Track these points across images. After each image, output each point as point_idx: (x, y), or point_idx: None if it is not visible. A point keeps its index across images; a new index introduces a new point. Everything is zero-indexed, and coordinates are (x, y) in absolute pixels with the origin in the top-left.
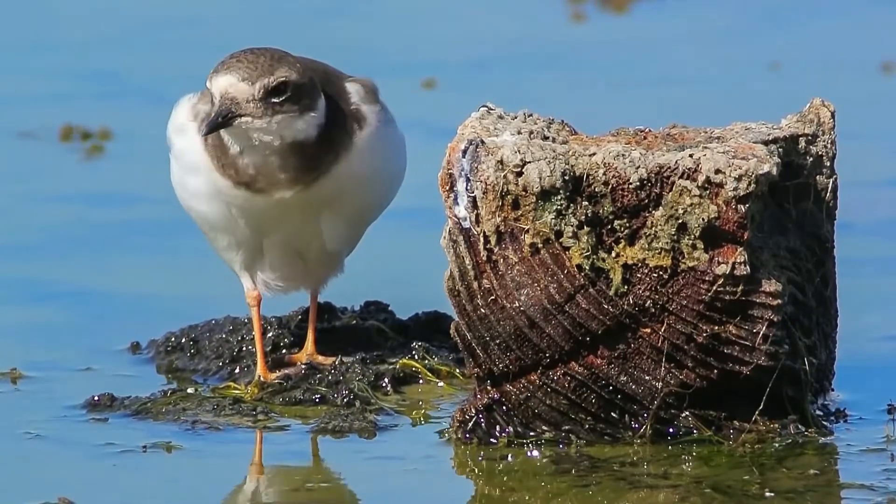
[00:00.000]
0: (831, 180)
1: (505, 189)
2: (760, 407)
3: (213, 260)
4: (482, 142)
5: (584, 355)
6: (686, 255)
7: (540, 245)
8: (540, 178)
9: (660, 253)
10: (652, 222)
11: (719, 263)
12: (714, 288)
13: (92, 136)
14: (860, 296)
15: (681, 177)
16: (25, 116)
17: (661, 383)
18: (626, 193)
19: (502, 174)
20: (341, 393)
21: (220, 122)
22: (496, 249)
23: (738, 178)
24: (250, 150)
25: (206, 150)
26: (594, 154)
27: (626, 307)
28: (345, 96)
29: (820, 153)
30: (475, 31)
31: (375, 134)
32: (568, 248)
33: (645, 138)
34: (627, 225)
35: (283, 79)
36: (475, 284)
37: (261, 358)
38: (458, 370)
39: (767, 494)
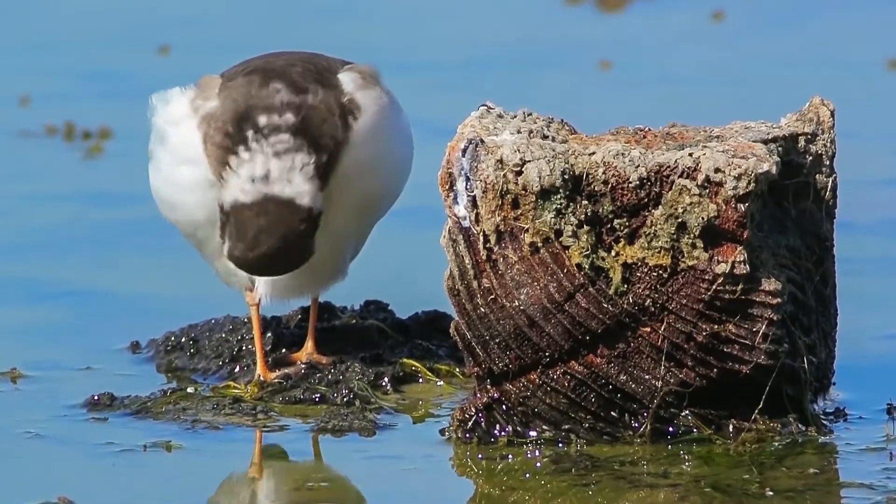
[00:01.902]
0: (831, 179)
1: (504, 188)
2: (760, 406)
3: None
4: (482, 141)
5: (583, 354)
6: (686, 255)
7: (539, 244)
8: (539, 178)
9: (659, 252)
10: (651, 221)
11: (719, 262)
12: (714, 287)
13: (92, 135)
14: (860, 295)
15: (680, 176)
16: (25, 116)
17: (660, 382)
18: (625, 192)
19: (502, 173)
20: (341, 392)
21: None
22: (496, 248)
23: (738, 177)
24: None
25: (205, 151)
26: (594, 153)
27: (625, 306)
28: (339, 90)
29: (819, 152)
30: (475, 31)
31: (373, 120)
32: (567, 248)
33: (644, 137)
34: (627, 224)
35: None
36: (475, 283)
37: (260, 357)
38: (457, 369)
39: (767, 493)
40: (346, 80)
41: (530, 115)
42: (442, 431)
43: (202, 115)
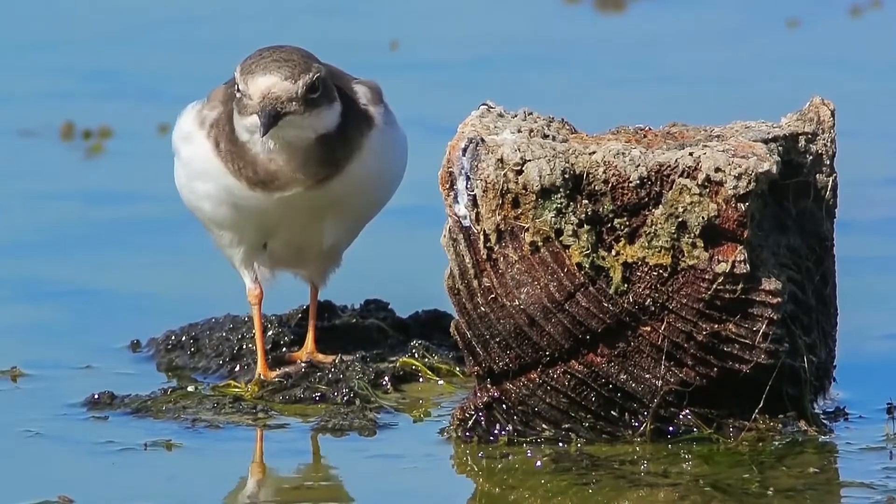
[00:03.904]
0: (831, 178)
1: (505, 187)
2: (760, 405)
3: (214, 258)
4: (482, 140)
5: (584, 353)
6: (686, 254)
7: (540, 243)
8: (540, 177)
9: (660, 251)
10: (652, 220)
11: (719, 262)
12: (714, 286)
13: (92, 134)
14: (860, 294)
15: (681, 175)
16: (26, 114)
17: (661, 381)
18: (626, 192)
19: (502, 172)
20: (341, 391)
21: (270, 122)
22: (496, 248)
23: (738, 177)
24: (280, 147)
25: (219, 155)
26: (594, 152)
27: (626, 305)
28: (355, 97)
29: (820, 151)
30: (476, 30)
31: (382, 135)
32: (568, 247)
33: (645, 136)
34: (627, 223)
35: (318, 74)
36: (475, 283)
37: (261, 356)
38: (458, 368)
39: (767, 493)
40: (360, 91)
41: (531, 114)
42: (442, 430)
43: (209, 123)
